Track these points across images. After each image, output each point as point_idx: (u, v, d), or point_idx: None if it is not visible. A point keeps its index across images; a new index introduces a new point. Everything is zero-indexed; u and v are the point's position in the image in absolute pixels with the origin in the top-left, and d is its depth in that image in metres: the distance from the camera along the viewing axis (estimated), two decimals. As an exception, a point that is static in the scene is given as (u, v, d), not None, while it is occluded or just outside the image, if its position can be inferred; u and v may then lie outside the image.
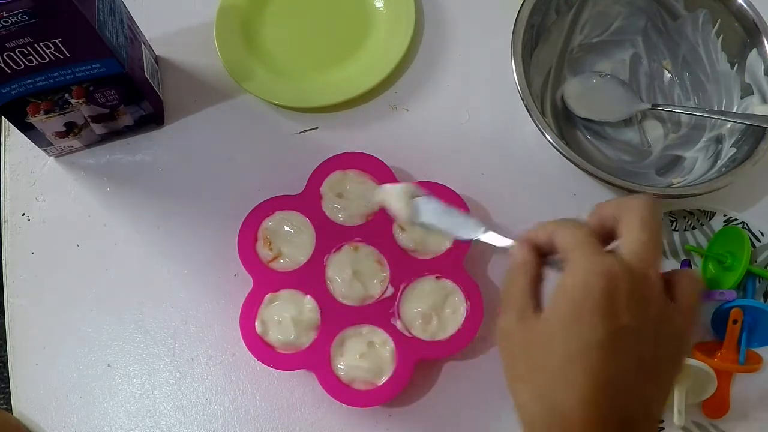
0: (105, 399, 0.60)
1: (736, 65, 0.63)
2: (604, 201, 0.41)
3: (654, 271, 0.38)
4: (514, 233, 0.43)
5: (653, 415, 0.38)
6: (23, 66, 0.54)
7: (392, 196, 0.50)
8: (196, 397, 0.60)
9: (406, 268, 0.59)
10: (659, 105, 0.65)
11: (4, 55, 0.53)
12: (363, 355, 0.57)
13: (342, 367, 0.57)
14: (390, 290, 0.59)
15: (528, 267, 0.41)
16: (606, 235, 0.40)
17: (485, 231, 0.46)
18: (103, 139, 0.67)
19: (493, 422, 0.58)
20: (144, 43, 0.66)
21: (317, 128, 0.68)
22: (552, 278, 0.40)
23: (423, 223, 0.49)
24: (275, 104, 0.68)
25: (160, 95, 0.68)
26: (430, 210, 0.49)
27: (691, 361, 0.54)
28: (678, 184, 0.62)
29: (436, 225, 0.49)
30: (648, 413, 0.38)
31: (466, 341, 0.57)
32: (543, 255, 0.41)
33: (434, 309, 0.58)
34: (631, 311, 0.36)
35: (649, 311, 0.37)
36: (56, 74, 0.56)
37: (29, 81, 0.56)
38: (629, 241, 0.38)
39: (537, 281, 0.41)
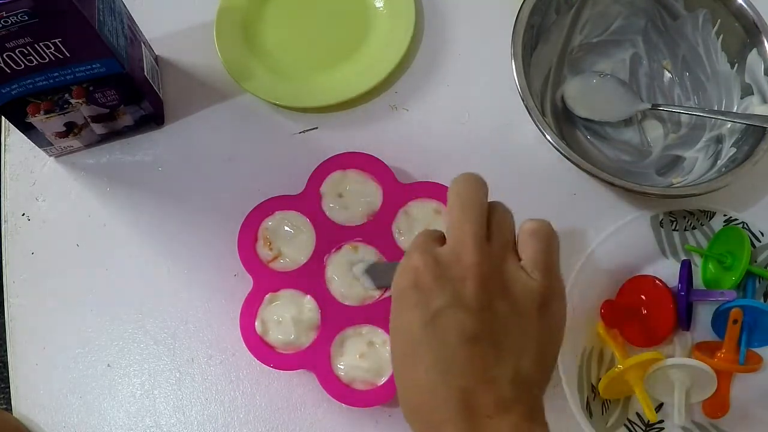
0: (105, 399, 0.60)
1: (736, 65, 0.63)
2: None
3: (470, 248, 0.39)
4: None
5: (499, 379, 0.38)
6: (23, 66, 0.54)
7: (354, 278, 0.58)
8: (196, 397, 0.60)
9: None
10: (659, 105, 0.65)
11: (4, 55, 0.53)
12: (363, 355, 0.57)
13: (342, 367, 0.57)
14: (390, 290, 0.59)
15: None
16: None
17: None
18: (103, 139, 0.67)
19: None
20: (144, 43, 0.66)
21: (317, 128, 0.68)
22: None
23: (379, 286, 0.57)
24: (275, 104, 0.68)
25: (160, 95, 0.68)
26: (380, 273, 0.57)
27: (691, 361, 0.54)
28: (678, 184, 0.62)
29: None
30: (489, 378, 0.37)
31: (466, 341, 0.57)
32: None
33: (434, 309, 0.58)
34: (441, 294, 0.38)
35: (465, 288, 0.38)
36: (56, 74, 0.56)
37: (29, 81, 0.56)
38: (447, 226, 0.41)
39: None
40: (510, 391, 0.37)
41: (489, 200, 0.42)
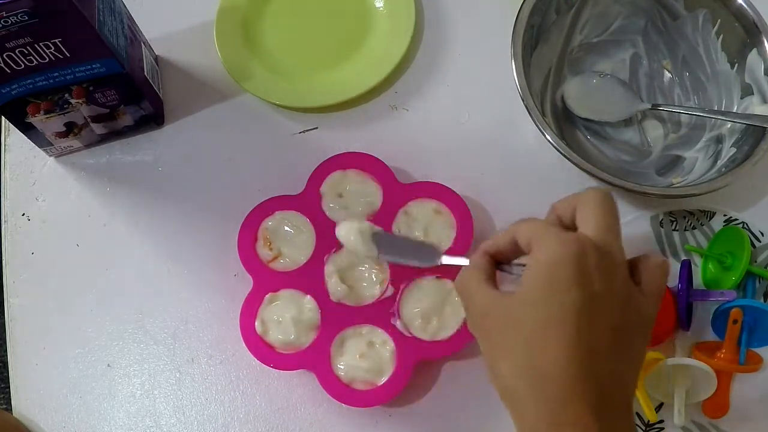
0: (105, 399, 0.60)
1: (736, 65, 0.63)
2: (559, 200, 0.43)
3: (617, 250, 0.40)
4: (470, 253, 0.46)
5: (625, 381, 0.39)
6: (23, 66, 0.54)
7: (350, 235, 0.52)
8: (196, 397, 0.60)
9: (406, 268, 0.59)
10: (659, 105, 0.65)
11: (4, 55, 0.53)
12: (363, 355, 0.57)
13: (342, 367, 0.57)
14: (390, 290, 0.59)
15: (479, 265, 0.43)
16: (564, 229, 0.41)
17: (441, 257, 0.50)
18: (103, 139, 0.67)
19: (492, 422, 0.58)
20: (144, 43, 0.66)
21: (317, 128, 0.68)
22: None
23: (383, 258, 0.52)
24: (275, 104, 0.68)
25: (160, 95, 0.68)
26: (388, 244, 0.52)
27: (691, 361, 0.54)
28: (678, 184, 0.62)
29: (396, 259, 0.52)
30: (620, 378, 0.39)
31: (466, 341, 0.57)
32: (499, 263, 0.44)
33: (434, 309, 0.58)
34: (601, 278, 0.38)
35: (616, 282, 0.39)
36: (56, 74, 0.56)
37: (29, 81, 0.56)
38: (591, 227, 0.40)
39: (491, 277, 0.43)
40: (626, 384, 0.39)
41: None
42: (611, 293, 0.38)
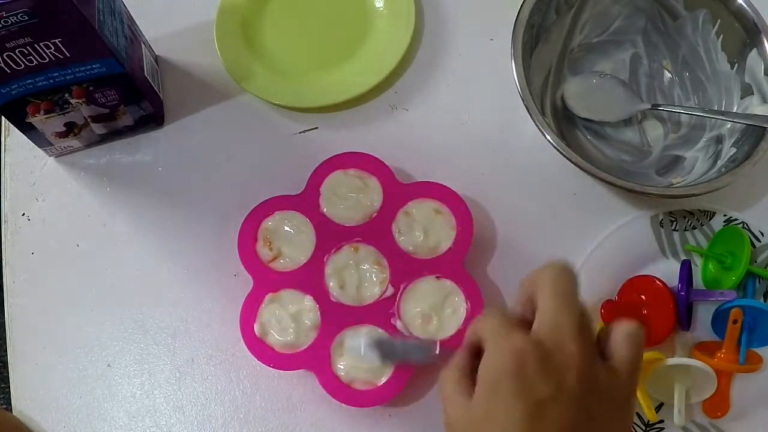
0: (105, 399, 0.60)
1: (736, 65, 0.63)
2: (527, 276, 0.42)
3: (571, 336, 0.38)
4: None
5: None
6: (23, 66, 0.54)
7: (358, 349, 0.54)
8: (196, 397, 0.60)
9: (406, 268, 0.59)
10: (659, 105, 0.65)
11: (4, 55, 0.53)
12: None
13: (342, 367, 0.57)
14: (390, 290, 0.59)
15: (457, 364, 0.42)
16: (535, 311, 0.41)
17: (437, 348, 0.53)
18: (103, 139, 0.67)
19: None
20: (144, 43, 0.66)
21: (317, 128, 0.68)
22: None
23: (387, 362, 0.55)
24: (275, 104, 0.68)
25: (160, 95, 0.68)
26: (390, 349, 0.54)
27: (691, 361, 0.54)
28: (678, 184, 0.62)
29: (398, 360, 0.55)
30: None
31: (466, 341, 0.57)
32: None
33: (434, 309, 0.58)
34: (546, 383, 0.37)
35: (568, 379, 0.38)
36: (56, 74, 0.56)
37: (29, 81, 0.56)
38: (541, 312, 0.39)
39: (466, 375, 0.42)
40: None
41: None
42: (561, 394, 0.38)
